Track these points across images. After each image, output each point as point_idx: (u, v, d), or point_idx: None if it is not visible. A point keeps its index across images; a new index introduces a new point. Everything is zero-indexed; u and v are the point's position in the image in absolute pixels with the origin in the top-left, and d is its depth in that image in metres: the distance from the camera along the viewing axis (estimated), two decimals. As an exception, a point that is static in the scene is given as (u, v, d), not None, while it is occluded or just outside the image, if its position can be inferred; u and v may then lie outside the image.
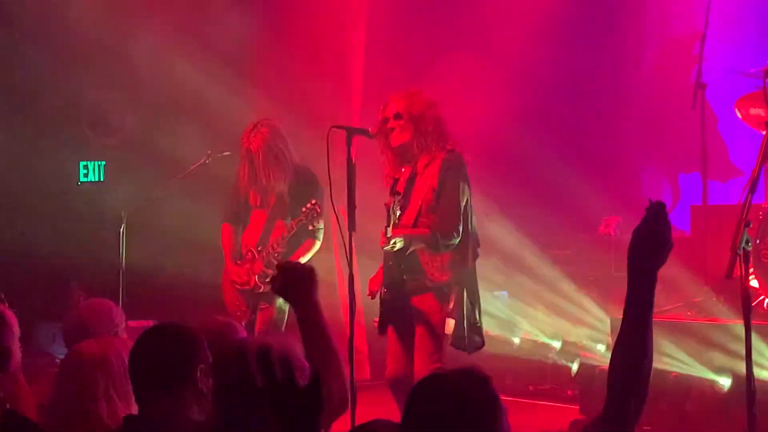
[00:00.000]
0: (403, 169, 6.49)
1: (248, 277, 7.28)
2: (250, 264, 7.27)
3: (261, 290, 7.17)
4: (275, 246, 7.16)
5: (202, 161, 8.15)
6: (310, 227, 7.06)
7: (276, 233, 7.20)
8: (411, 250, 6.28)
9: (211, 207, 7.89)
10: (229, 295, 7.42)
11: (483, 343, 6.45)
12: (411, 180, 6.44)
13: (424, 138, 6.39)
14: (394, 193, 6.38)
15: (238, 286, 7.33)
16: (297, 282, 3.47)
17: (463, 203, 6.35)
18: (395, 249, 6.24)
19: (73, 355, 4.13)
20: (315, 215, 6.99)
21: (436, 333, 6.24)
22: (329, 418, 3.26)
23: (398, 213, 6.32)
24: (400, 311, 6.37)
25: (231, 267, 7.39)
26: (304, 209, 7.01)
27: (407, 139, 6.41)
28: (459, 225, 6.30)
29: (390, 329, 6.44)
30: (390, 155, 6.52)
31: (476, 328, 6.40)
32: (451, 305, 6.30)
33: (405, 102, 6.43)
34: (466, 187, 6.40)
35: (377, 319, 6.51)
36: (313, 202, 7.00)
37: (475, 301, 6.41)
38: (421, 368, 6.11)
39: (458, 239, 6.31)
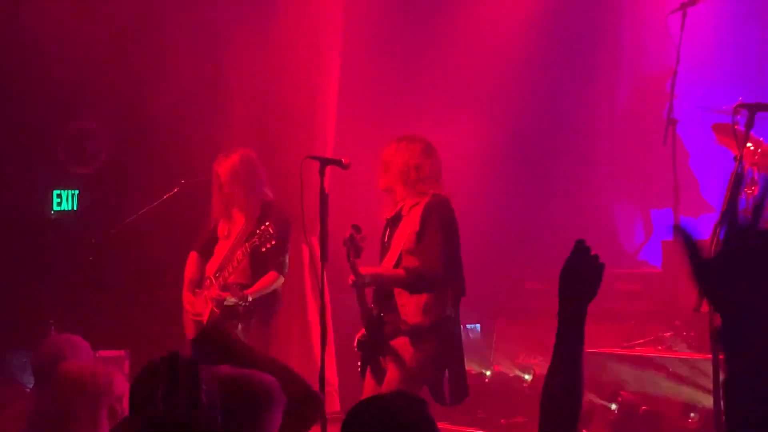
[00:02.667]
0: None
1: (204, 306, 7.20)
2: (207, 291, 7.22)
3: (217, 316, 7.10)
4: (231, 270, 7.10)
5: (175, 190, 8.16)
6: (263, 249, 6.97)
7: (232, 261, 7.14)
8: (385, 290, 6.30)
9: (184, 235, 7.88)
10: (188, 326, 7.36)
11: (467, 394, 6.41)
12: (395, 222, 6.44)
13: (404, 184, 6.41)
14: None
15: (192, 316, 7.27)
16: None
17: (447, 246, 6.29)
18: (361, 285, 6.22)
19: (58, 374, 4.15)
20: (267, 237, 6.91)
21: (405, 377, 6.16)
22: (302, 423, 3.26)
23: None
24: (376, 353, 6.33)
25: (186, 296, 7.34)
26: (258, 231, 6.95)
27: (386, 184, 6.49)
28: (441, 267, 6.25)
29: (368, 370, 6.42)
30: (385, 196, 6.58)
31: (460, 379, 6.36)
32: (429, 353, 6.23)
33: (390, 149, 6.49)
34: (451, 230, 6.36)
35: (359, 362, 6.47)
36: (267, 224, 6.93)
37: (457, 350, 6.34)
38: None
39: (437, 281, 6.26)
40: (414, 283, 6.22)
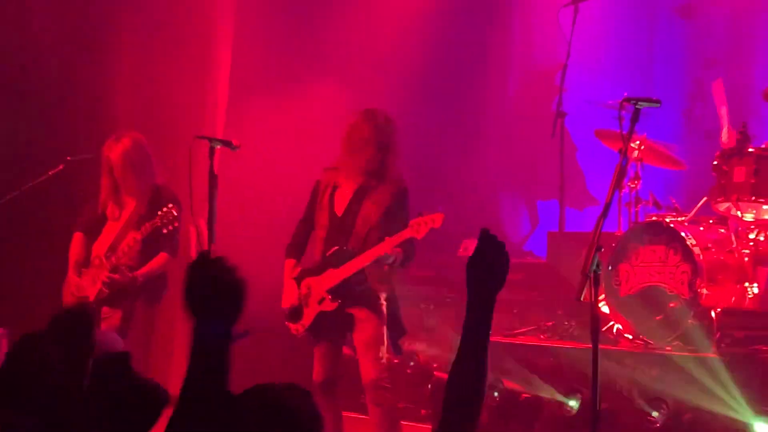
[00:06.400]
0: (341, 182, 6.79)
1: (92, 285, 7.13)
2: (96, 270, 7.13)
3: (106, 295, 7.05)
4: (126, 250, 7.04)
5: (60, 167, 8.02)
6: (165, 231, 6.93)
7: (127, 241, 7.08)
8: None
9: (68, 213, 7.76)
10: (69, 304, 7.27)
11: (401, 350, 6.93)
12: (361, 193, 6.66)
13: (382, 161, 6.68)
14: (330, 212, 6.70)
15: (78, 299, 7.20)
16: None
17: None
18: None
19: None
20: (171, 218, 6.88)
21: (378, 340, 6.55)
22: None
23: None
24: (338, 319, 6.62)
25: (72, 279, 7.26)
26: (159, 213, 6.90)
27: (375, 164, 6.65)
28: None
29: (323, 335, 6.70)
30: (342, 165, 6.77)
31: (403, 332, 6.79)
32: (384, 316, 6.62)
33: (375, 127, 6.71)
34: None
35: (300, 323, 6.70)
36: (170, 206, 6.91)
37: (399, 310, 6.78)
38: (373, 372, 6.55)
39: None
40: (409, 257, 6.57)
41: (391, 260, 6.48)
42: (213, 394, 2.57)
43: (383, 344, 6.60)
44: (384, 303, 6.63)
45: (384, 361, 6.60)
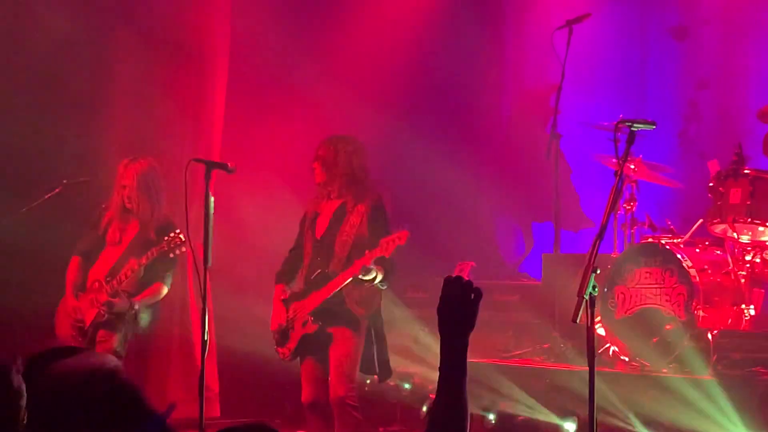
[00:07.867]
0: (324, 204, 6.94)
1: (89, 308, 7.12)
2: (95, 294, 7.13)
3: (104, 318, 7.05)
4: (129, 274, 7.05)
5: (57, 190, 8.00)
6: (171, 255, 7.00)
7: (131, 265, 7.09)
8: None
9: (65, 236, 7.73)
10: (64, 327, 7.25)
11: (390, 373, 6.94)
12: (338, 216, 6.82)
13: (339, 180, 6.83)
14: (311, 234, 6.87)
15: (74, 322, 7.19)
16: None
17: None
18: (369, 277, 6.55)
19: None
20: (178, 243, 6.94)
21: (351, 359, 6.65)
22: None
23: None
24: (320, 339, 6.71)
25: (71, 300, 7.24)
26: (167, 237, 6.95)
27: (322, 179, 6.86)
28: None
29: (307, 355, 6.81)
30: (317, 190, 6.97)
31: (385, 361, 6.85)
32: (363, 337, 6.71)
33: (324, 147, 6.89)
34: None
35: (287, 346, 6.81)
36: (177, 231, 6.96)
37: (382, 335, 6.84)
38: (340, 389, 6.62)
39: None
40: (388, 273, 6.63)
41: (371, 276, 6.54)
42: None
43: (356, 363, 6.70)
44: (364, 324, 6.72)
45: (355, 379, 6.70)
